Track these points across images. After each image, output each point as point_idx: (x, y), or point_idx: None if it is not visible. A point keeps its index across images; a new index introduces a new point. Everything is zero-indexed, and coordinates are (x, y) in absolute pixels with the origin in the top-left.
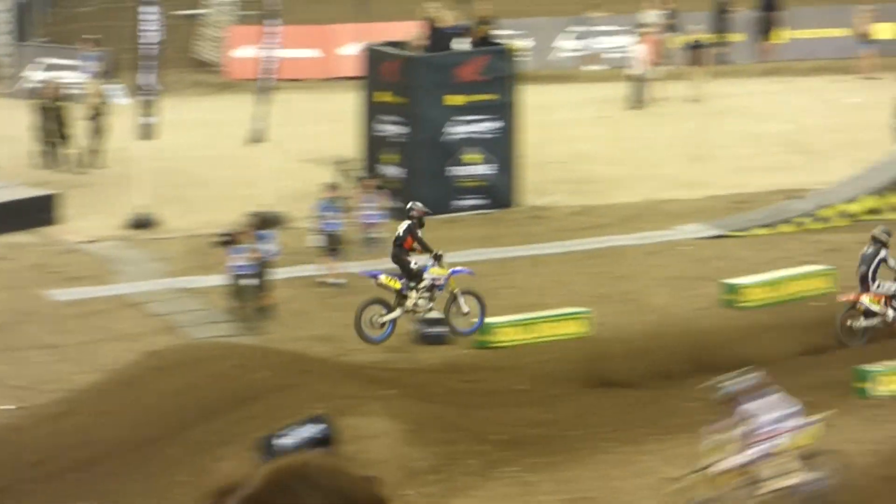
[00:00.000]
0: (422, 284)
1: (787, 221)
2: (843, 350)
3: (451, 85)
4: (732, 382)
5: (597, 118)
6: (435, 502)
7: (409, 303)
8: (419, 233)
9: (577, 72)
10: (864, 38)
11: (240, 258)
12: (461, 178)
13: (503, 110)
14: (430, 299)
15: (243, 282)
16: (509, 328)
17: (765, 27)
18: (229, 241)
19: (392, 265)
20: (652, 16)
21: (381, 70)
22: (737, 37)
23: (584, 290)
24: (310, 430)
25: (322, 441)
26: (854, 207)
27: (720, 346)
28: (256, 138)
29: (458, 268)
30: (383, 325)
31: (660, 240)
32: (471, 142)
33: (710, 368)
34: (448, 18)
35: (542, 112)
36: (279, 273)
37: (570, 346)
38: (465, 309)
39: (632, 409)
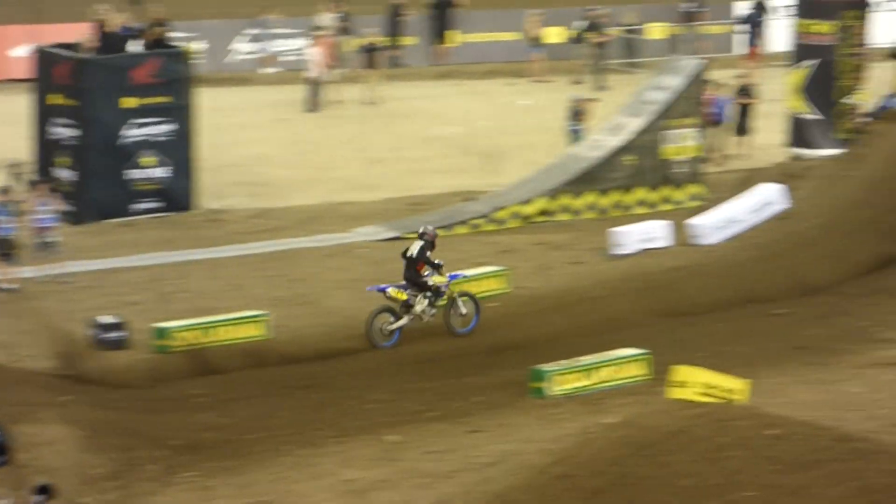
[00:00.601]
0: (426, 292)
1: (462, 223)
2: (520, 349)
3: (125, 87)
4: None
5: (274, 121)
6: None
7: (418, 309)
8: (429, 254)
9: (253, 74)
10: (535, 42)
11: None
12: (137, 182)
13: (178, 113)
14: (432, 305)
15: None
16: (187, 332)
17: (438, 30)
18: None
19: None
20: (326, 19)
21: (52, 72)
22: (410, 40)
23: (262, 293)
24: None
25: None
26: (528, 209)
27: (400, 347)
28: None
29: (455, 273)
30: (391, 332)
31: (337, 242)
32: (146, 145)
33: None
34: (119, 20)
35: (218, 115)
36: None
37: (248, 350)
38: (463, 310)
39: (310, 411)
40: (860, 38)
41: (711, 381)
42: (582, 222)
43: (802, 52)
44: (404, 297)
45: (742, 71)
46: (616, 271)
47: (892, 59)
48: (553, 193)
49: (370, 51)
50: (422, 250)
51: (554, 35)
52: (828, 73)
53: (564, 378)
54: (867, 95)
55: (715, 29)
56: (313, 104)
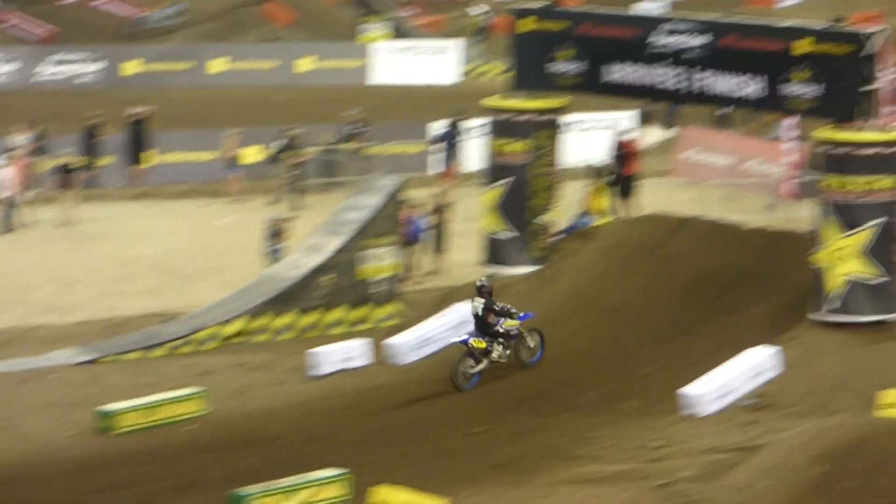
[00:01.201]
0: (501, 338)
1: (159, 345)
2: (217, 473)
3: None
4: None
5: None
6: None
7: (495, 355)
8: (493, 304)
9: None
10: (232, 162)
11: None
12: None
13: None
14: (507, 348)
15: None
16: None
17: (134, 151)
18: None
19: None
20: (21, 139)
21: None
22: (106, 160)
23: None
24: None
25: None
26: (226, 330)
27: (97, 474)
28: None
29: (522, 314)
30: (472, 375)
31: (32, 366)
32: None
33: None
34: None
35: None
36: None
37: None
38: (531, 344)
39: None
40: (552, 157)
41: (411, 502)
42: (281, 343)
43: (496, 171)
44: (483, 345)
45: (438, 190)
46: (315, 392)
47: (595, 177)
48: (252, 314)
49: (65, 171)
50: (486, 307)
51: (251, 155)
52: (521, 192)
53: (263, 502)
54: (559, 214)
55: (410, 148)
56: (7, 226)
